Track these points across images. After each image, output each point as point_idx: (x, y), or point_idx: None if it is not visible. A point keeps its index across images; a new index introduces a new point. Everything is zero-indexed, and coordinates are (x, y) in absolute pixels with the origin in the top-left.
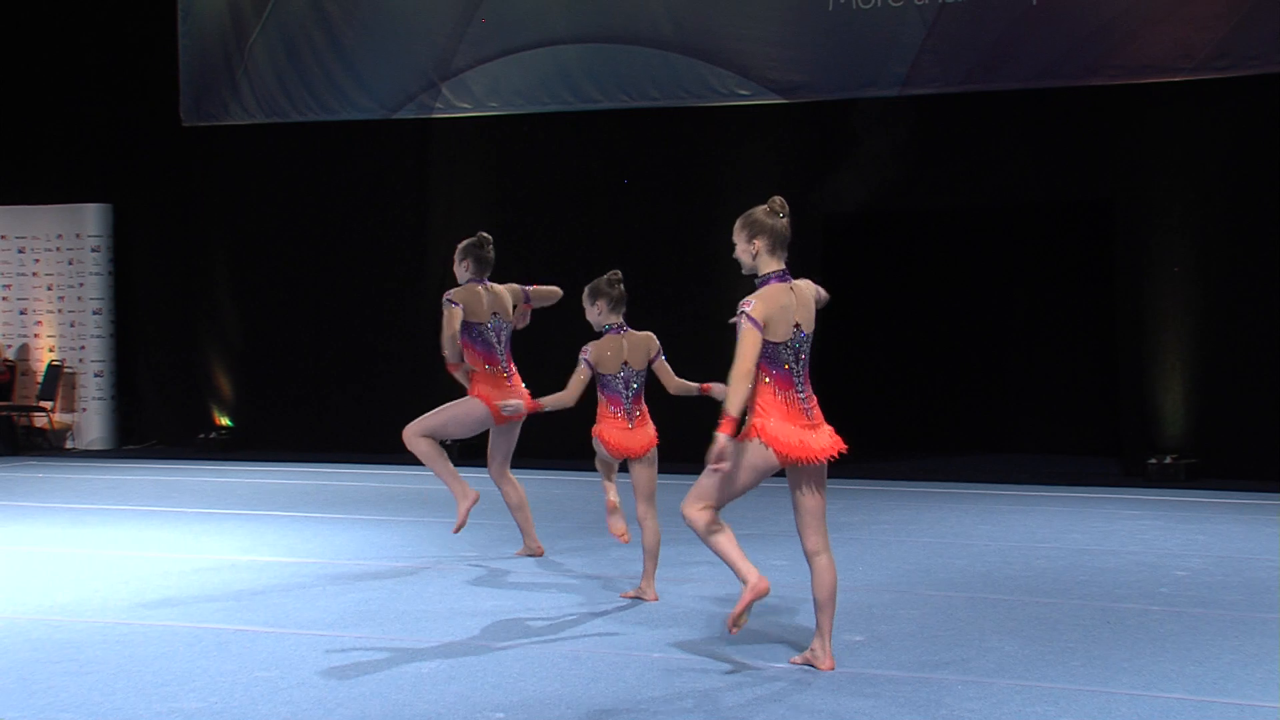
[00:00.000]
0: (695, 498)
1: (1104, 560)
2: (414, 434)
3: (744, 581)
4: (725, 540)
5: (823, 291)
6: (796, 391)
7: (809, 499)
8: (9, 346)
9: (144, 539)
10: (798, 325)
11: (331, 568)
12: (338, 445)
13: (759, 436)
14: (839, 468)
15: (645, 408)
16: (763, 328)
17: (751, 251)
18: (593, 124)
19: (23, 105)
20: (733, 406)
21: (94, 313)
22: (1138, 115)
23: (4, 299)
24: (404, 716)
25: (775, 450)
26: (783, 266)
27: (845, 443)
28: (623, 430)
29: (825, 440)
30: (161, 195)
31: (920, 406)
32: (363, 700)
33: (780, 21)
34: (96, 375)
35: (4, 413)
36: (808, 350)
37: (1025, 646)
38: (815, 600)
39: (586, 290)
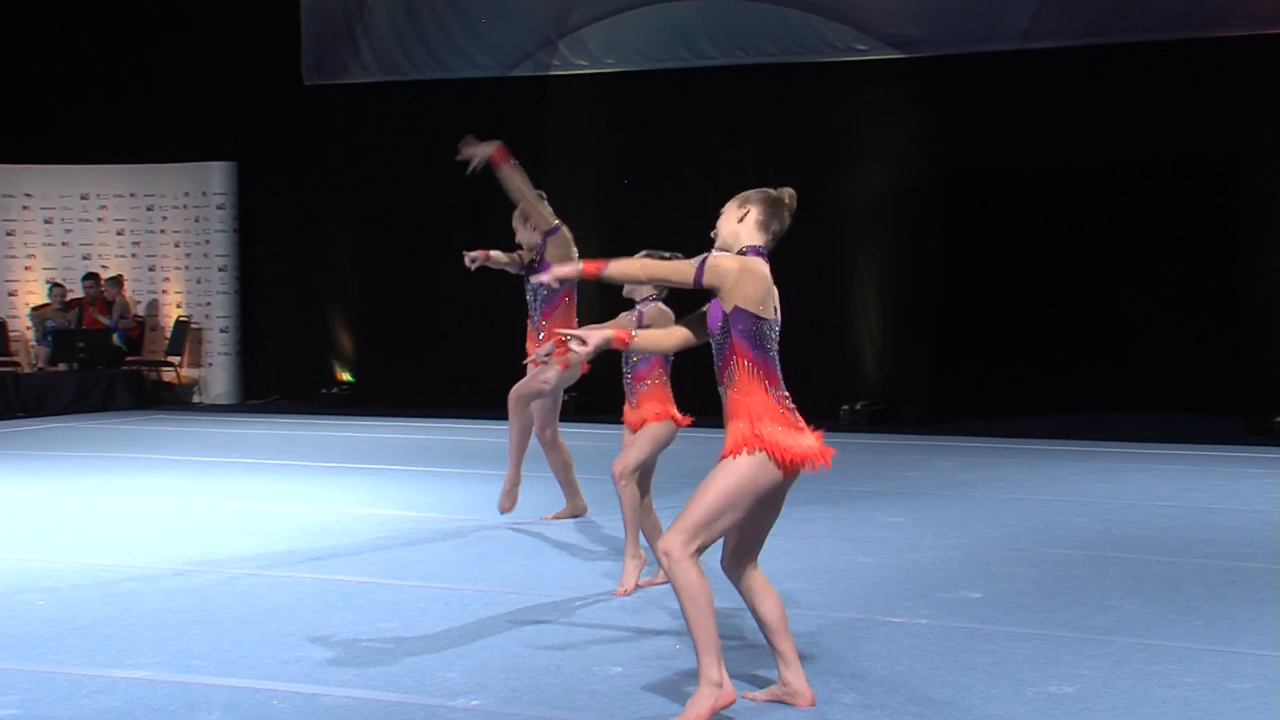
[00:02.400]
0: (685, 533)
1: (1228, 519)
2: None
3: (705, 678)
4: (710, 610)
5: None
6: (783, 389)
7: (771, 511)
8: (138, 303)
9: (268, 492)
10: (778, 310)
11: (450, 522)
12: (456, 400)
13: (759, 447)
14: (958, 424)
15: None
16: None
17: (741, 215)
18: (709, 80)
19: (150, 66)
20: (614, 267)
21: (219, 269)
22: (1265, 67)
23: (134, 256)
24: (523, 669)
25: (779, 461)
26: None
27: (963, 402)
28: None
29: (816, 442)
30: (284, 153)
31: (1039, 364)
32: (482, 652)
33: None
34: (222, 331)
35: (133, 367)
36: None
37: (1146, 605)
38: (769, 627)
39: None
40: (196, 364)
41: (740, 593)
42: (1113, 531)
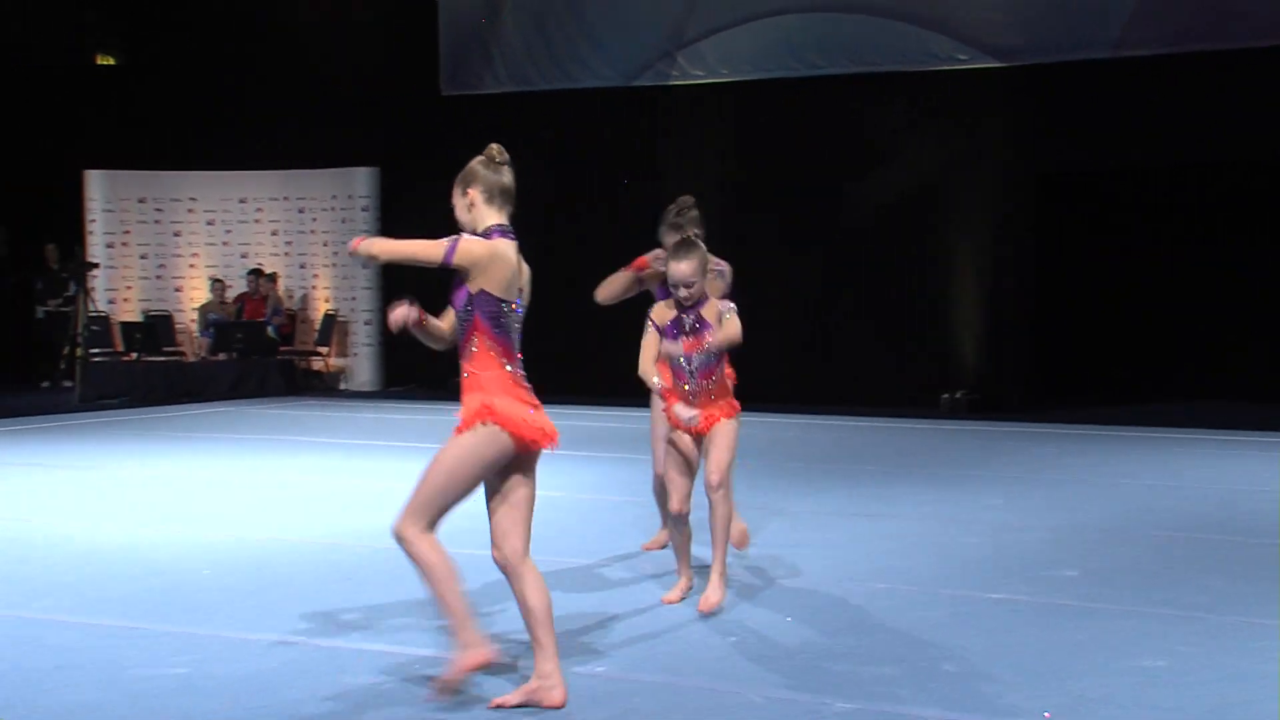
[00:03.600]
0: (412, 513)
1: None
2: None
3: (462, 643)
4: (451, 580)
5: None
6: (520, 365)
7: (524, 489)
8: (290, 297)
9: (407, 471)
10: (522, 291)
11: (574, 500)
12: (575, 387)
13: (490, 419)
14: (1054, 412)
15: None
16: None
17: (467, 202)
18: (818, 88)
19: (301, 81)
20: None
21: (363, 267)
22: None
23: (286, 254)
24: (647, 636)
25: (512, 434)
26: (505, 222)
27: (1059, 391)
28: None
29: (548, 421)
30: (422, 159)
31: (1134, 355)
32: (612, 621)
33: None
34: (366, 323)
35: (286, 357)
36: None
37: (1244, 585)
38: (533, 616)
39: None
40: (343, 354)
41: (508, 578)
42: (1209, 515)
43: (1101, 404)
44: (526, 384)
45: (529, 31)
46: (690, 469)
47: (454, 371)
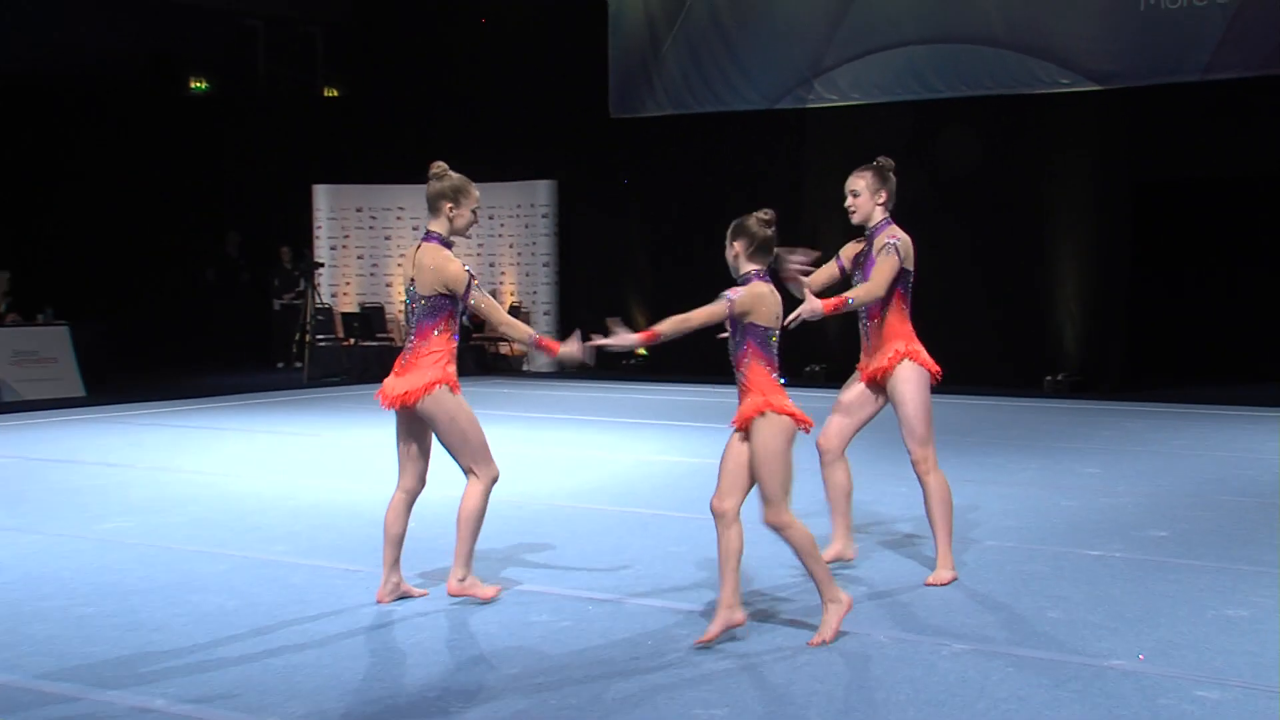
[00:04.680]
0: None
1: None
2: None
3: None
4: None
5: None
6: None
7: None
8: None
9: (582, 441)
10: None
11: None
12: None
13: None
14: (1146, 392)
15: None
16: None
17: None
18: (938, 110)
19: (490, 105)
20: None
21: (543, 265)
22: None
23: (478, 255)
24: (791, 587)
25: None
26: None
27: (1150, 373)
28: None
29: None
30: (594, 173)
31: (1217, 341)
32: (752, 573)
33: (1098, 20)
34: (545, 314)
35: (478, 342)
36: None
37: None
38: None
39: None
40: None
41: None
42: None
43: (1188, 385)
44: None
45: (686, 62)
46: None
47: (621, 354)
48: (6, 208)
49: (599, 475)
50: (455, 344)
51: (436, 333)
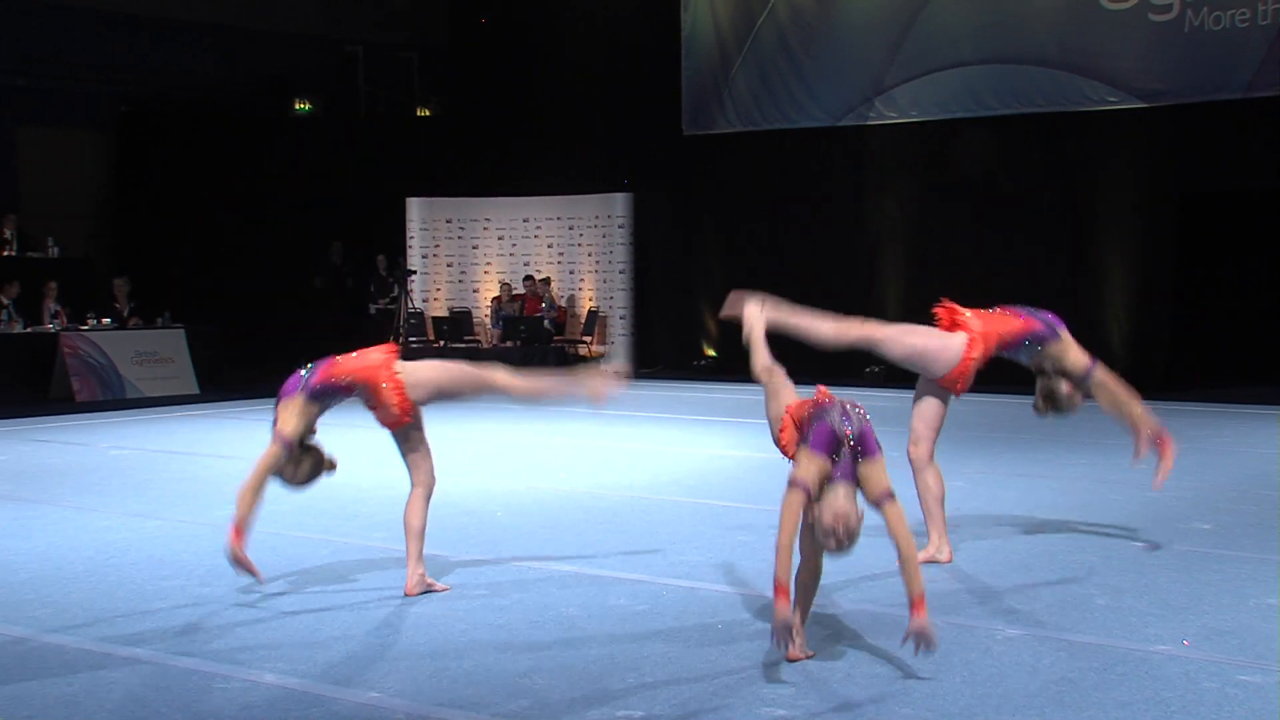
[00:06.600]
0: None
1: None
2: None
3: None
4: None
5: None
6: None
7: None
8: (562, 297)
9: (656, 436)
10: None
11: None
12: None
13: None
14: (1190, 391)
15: None
16: None
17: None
18: (992, 126)
19: (571, 124)
20: None
21: (620, 272)
22: None
23: (559, 263)
24: (852, 572)
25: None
26: None
27: (1195, 373)
28: None
29: None
30: (668, 186)
31: (1257, 344)
32: None
33: (1145, 41)
34: (621, 317)
35: (558, 344)
36: None
37: None
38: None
39: None
40: (603, 341)
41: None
42: None
43: (1229, 386)
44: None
45: (754, 81)
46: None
47: (693, 355)
48: (131, 220)
49: (673, 468)
50: None
51: None
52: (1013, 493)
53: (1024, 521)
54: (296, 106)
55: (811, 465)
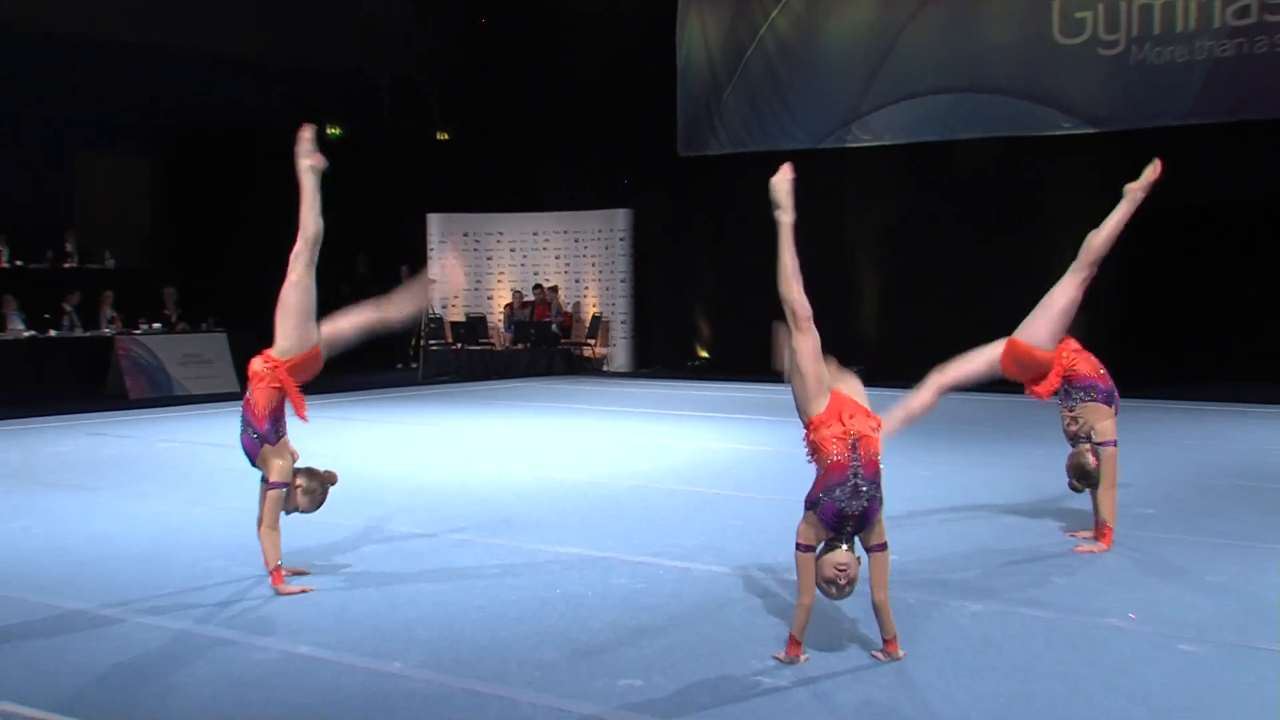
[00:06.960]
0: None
1: None
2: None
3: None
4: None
5: None
6: None
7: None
8: (568, 303)
9: (653, 430)
10: None
11: (778, 454)
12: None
13: None
14: (1143, 389)
15: None
16: None
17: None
18: (959, 150)
19: (576, 145)
20: None
21: (621, 280)
22: None
23: (565, 272)
24: None
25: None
26: None
27: (1141, 376)
28: None
29: None
30: (665, 203)
31: (1199, 346)
32: None
33: (1095, 73)
34: (622, 322)
35: (565, 347)
36: None
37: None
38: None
39: None
40: (606, 344)
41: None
42: (1251, 468)
43: (1173, 383)
44: None
45: (744, 107)
46: None
47: (688, 357)
48: (179, 235)
49: (667, 460)
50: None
51: None
52: (974, 480)
53: (986, 507)
54: (328, 132)
55: (818, 531)
